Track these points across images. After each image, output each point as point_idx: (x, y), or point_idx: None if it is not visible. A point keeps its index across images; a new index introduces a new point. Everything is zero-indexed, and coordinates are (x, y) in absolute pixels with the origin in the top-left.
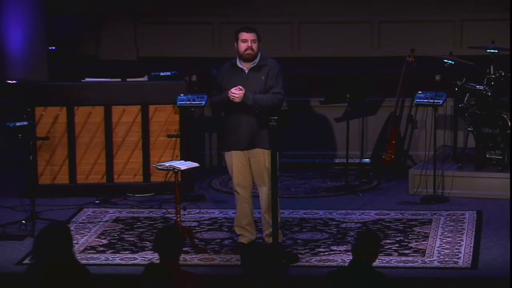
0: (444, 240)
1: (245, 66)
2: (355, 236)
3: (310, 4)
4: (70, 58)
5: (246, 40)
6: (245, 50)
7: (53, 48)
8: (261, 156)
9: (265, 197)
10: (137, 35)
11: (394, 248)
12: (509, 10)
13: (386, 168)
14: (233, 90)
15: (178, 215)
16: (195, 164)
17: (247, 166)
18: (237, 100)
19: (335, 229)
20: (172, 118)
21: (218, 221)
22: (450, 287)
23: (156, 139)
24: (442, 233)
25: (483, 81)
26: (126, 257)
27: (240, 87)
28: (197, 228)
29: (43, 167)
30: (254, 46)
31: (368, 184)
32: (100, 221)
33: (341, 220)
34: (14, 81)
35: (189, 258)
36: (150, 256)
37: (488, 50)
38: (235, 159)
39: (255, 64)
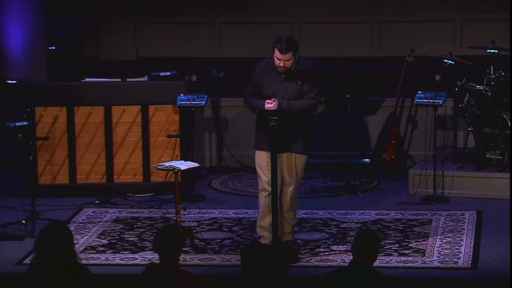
0: (444, 240)
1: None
2: (354, 235)
3: (310, 4)
4: (70, 58)
5: (280, 60)
6: (278, 66)
7: (53, 48)
8: (293, 157)
9: (288, 196)
10: (137, 35)
11: (394, 248)
12: (509, 10)
13: (386, 168)
14: (267, 105)
15: (178, 215)
16: (195, 164)
17: None
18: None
19: (335, 229)
20: (172, 118)
21: (218, 221)
22: (450, 287)
23: (156, 139)
24: (442, 233)
25: (483, 81)
26: (126, 257)
27: (273, 99)
28: (197, 228)
29: (43, 167)
30: (288, 64)
31: (368, 184)
32: (100, 221)
33: (341, 220)
34: (14, 81)
35: (189, 258)
36: (150, 256)
37: (488, 50)
38: (264, 157)
39: (292, 69)
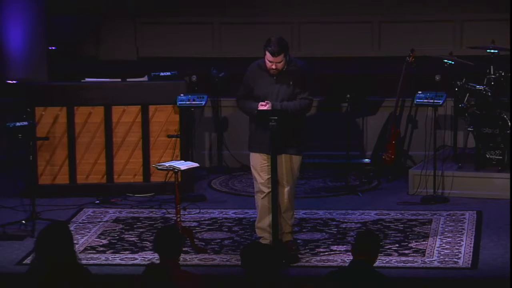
0: (444, 240)
1: None
2: (355, 236)
3: (310, 4)
4: (70, 58)
5: (272, 62)
6: (270, 68)
7: (53, 48)
8: (289, 159)
9: (286, 197)
10: (137, 35)
11: (394, 248)
12: (509, 10)
13: (386, 168)
14: (260, 108)
15: (178, 215)
16: (195, 164)
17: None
18: None
19: (335, 229)
20: (172, 118)
21: (218, 221)
22: (450, 287)
23: (156, 139)
24: (442, 233)
25: (483, 81)
26: (126, 257)
27: (267, 101)
28: (197, 228)
29: (43, 167)
30: (280, 66)
31: (368, 184)
32: (100, 221)
33: (341, 220)
34: (14, 81)
35: (189, 258)
36: (150, 256)
37: (488, 50)
38: (259, 159)
39: (283, 70)
